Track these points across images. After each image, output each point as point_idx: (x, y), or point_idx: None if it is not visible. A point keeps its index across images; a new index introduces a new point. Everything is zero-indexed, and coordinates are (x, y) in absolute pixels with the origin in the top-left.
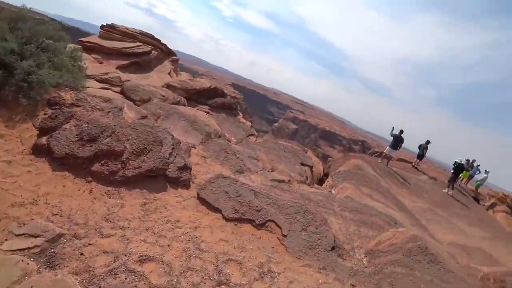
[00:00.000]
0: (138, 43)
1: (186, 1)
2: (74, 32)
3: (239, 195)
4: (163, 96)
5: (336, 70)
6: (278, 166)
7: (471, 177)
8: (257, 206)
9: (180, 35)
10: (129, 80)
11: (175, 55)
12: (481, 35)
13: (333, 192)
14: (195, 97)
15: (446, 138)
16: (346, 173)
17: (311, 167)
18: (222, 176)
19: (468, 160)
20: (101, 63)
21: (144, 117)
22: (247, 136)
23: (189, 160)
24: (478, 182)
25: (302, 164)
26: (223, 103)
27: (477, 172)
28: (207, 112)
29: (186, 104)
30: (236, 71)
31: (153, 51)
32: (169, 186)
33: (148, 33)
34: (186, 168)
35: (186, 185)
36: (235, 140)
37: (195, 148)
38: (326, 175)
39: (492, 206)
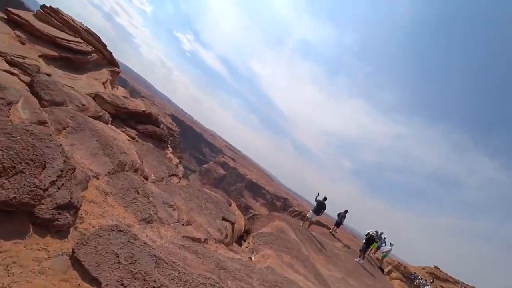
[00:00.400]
0: (79, 39)
1: (150, 22)
2: (17, 5)
3: (134, 261)
4: (83, 105)
5: (273, 127)
6: (197, 219)
7: (378, 248)
8: (155, 281)
9: (134, 52)
10: (49, 74)
11: (118, 67)
12: (392, 126)
13: (253, 259)
14: (125, 117)
15: (355, 207)
16: (268, 235)
17: (233, 224)
18: (118, 228)
19: (377, 232)
20: (23, 43)
21: (41, 123)
22: (170, 176)
23: (80, 196)
24: (384, 253)
25: (224, 219)
26: (154, 132)
27: (383, 244)
28: (132, 138)
29: (109, 122)
30: (179, 103)
31: (93, 54)
32: (32, 231)
33: (95, 34)
34: (70, 207)
35: (61, 232)
36: (154, 178)
37: (97, 178)
38: (247, 232)
39: (389, 272)
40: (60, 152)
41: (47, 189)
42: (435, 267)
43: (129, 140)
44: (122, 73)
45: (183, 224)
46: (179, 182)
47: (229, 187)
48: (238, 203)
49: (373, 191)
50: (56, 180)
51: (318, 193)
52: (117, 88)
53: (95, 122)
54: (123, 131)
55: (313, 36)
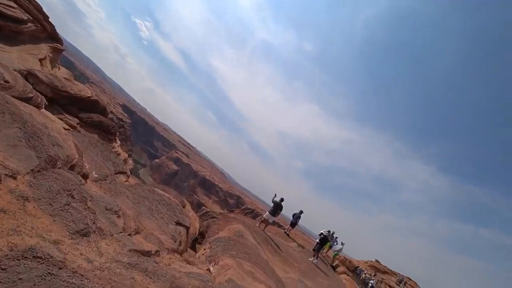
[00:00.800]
0: (13, 4)
1: (105, 4)
2: None
3: None
4: (7, 82)
5: (229, 126)
6: (147, 225)
7: (330, 247)
8: None
9: (84, 31)
10: None
11: (61, 44)
12: (343, 132)
13: (212, 270)
14: (65, 102)
15: (306, 206)
16: (226, 241)
17: (187, 228)
18: (33, 254)
19: (329, 232)
20: None
21: None
22: (116, 174)
23: None
24: (336, 251)
25: (178, 223)
26: (100, 122)
27: (335, 243)
28: (73, 127)
29: (42, 106)
30: (131, 93)
31: (29, 24)
32: None
33: (35, 1)
34: None
35: None
36: (96, 176)
37: (14, 178)
38: (201, 234)
39: (336, 267)
40: None
41: None
42: (376, 260)
43: (66, 129)
44: (69, 54)
45: (129, 234)
46: (126, 181)
47: (181, 183)
48: (190, 200)
49: (323, 191)
50: None
51: (275, 194)
52: (59, 68)
53: (21, 105)
54: (60, 118)
55: (274, 39)
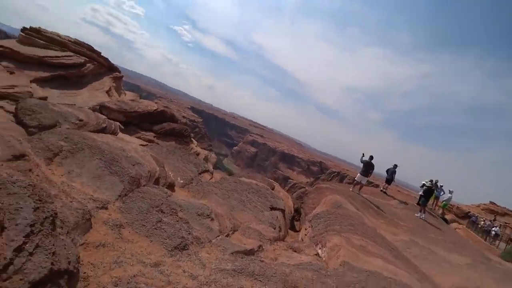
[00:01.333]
0: (69, 53)
1: (145, 23)
2: None
3: None
4: (81, 120)
5: (292, 96)
6: (242, 218)
7: (437, 198)
8: None
9: (137, 56)
10: (45, 98)
11: (118, 71)
12: (416, 67)
13: (321, 254)
14: (138, 121)
15: (396, 159)
16: (326, 215)
17: (283, 211)
18: (136, 284)
19: (431, 181)
20: (12, 73)
21: (17, 158)
22: (200, 174)
23: (80, 245)
24: (444, 202)
25: (272, 208)
26: (172, 129)
27: (442, 192)
28: (150, 141)
29: (118, 131)
30: (195, 94)
31: (88, 64)
32: None
33: (85, 43)
34: (57, 275)
35: None
36: (181, 181)
37: (105, 209)
38: (297, 210)
39: (442, 214)
40: (29, 195)
41: (10, 263)
42: (491, 202)
43: (143, 145)
44: (132, 79)
45: (227, 235)
46: (211, 178)
47: (263, 162)
48: (275, 176)
49: (410, 138)
50: (25, 243)
51: (363, 154)
52: (125, 93)
53: (97, 137)
54: (138, 137)
55: None
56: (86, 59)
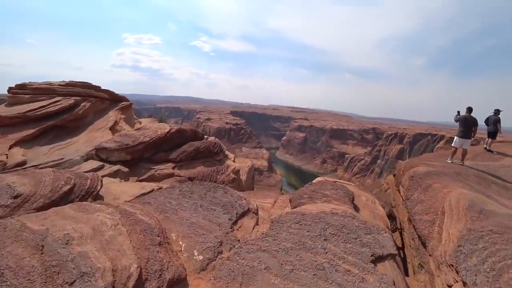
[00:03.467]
0: (56, 98)
1: (165, 49)
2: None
3: None
4: (17, 196)
5: (323, 69)
6: None
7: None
8: None
9: (168, 81)
10: (23, 162)
11: (126, 101)
12: None
13: None
14: (150, 153)
15: (452, 101)
16: (479, 242)
17: (394, 256)
18: None
19: None
20: None
21: None
22: (235, 223)
23: None
24: None
25: (376, 258)
26: (195, 150)
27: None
28: (169, 176)
29: (99, 187)
30: (231, 99)
31: (82, 104)
32: None
33: (79, 82)
34: None
35: None
36: (200, 258)
37: None
38: (390, 216)
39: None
40: None
41: None
42: None
43: (141, 195)
44: (173, 103)
45: None
46: (256, 223)
47: (314, 144)
48: (330, 154)
49: (465, 73)
50: None
51: (458, 111)
52: (139, 122)
53: (32, 224)
54: (151, 176)
55: None
56: (78, 98)
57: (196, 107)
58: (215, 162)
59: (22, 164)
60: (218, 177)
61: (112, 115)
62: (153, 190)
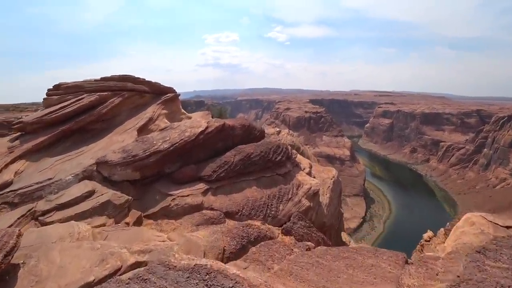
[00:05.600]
0: (80, 97)
1: (243, 44)
2: None
3: None
4: None
5: (413, 46)
6: None
7: None
8: None
9: (247, 74)
10: (10, 183)
11: (172, 92)
12: None
13: None
14: (175, 165)
15: None
16: None
17: None
18: None
19: None
20: (11, 152)
21: None
22: None
23: None
24: None
25: None
26: (246, 158)
27: None
28: (198, 208)
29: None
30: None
31: (110, 100)
32: None
33: (115, 75)
34: None
35: None
36: None
37: None
38: None
39: None
40: None
41: None
42: None
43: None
44: (252, 95)
45: None
46: None
47: (402, 132)
48: (421, 142)
49: None
50: None
51: None
52: (189, 117)
53: None
54: (166, 206)
55: None
56: (104, 94)
57: (275, 98)
58: (278, 177)
59: (5, 186)
60: (280, 207)
61: (150, 111)
62: (118, 270)
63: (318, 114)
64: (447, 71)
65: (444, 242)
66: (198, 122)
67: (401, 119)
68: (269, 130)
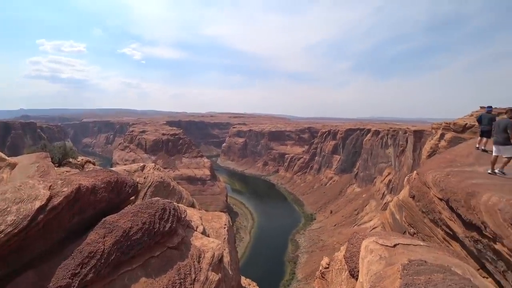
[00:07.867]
0: None
1: (91, 57)
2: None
3: None
4: None
5: (258, 74)
6: None
7: None
8: None
9: (96, 92)
10: None
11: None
12: (366, 4)
13: None
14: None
15: (372, 99)
16: None
17: None
18: None
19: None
20: None
21: None
22: None
23: None
24: None
25: None
26: (122, 239)
27: None
28: None
29: None
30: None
31: None
32: None
33: None
34: None
35: None
36: None
37: None
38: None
39: (442, 136)
40: None
41: None
42: (481, 107)
43: None
44: (103, 117)
45: None
46: None
47: (255, 148)
48: (270, 156)
49: (381, 74)
50: None
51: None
52: (7, 162)
53: None
54: None
55: None
56: None
57: (129, 120)
58: (172, 253)
59: None
60: None
61: None
62: None
63: (176, 136)
64: (286, 96)
65: (342, 268)
66: (33, 190)
67: (253, 137)
68: (132, 166)
